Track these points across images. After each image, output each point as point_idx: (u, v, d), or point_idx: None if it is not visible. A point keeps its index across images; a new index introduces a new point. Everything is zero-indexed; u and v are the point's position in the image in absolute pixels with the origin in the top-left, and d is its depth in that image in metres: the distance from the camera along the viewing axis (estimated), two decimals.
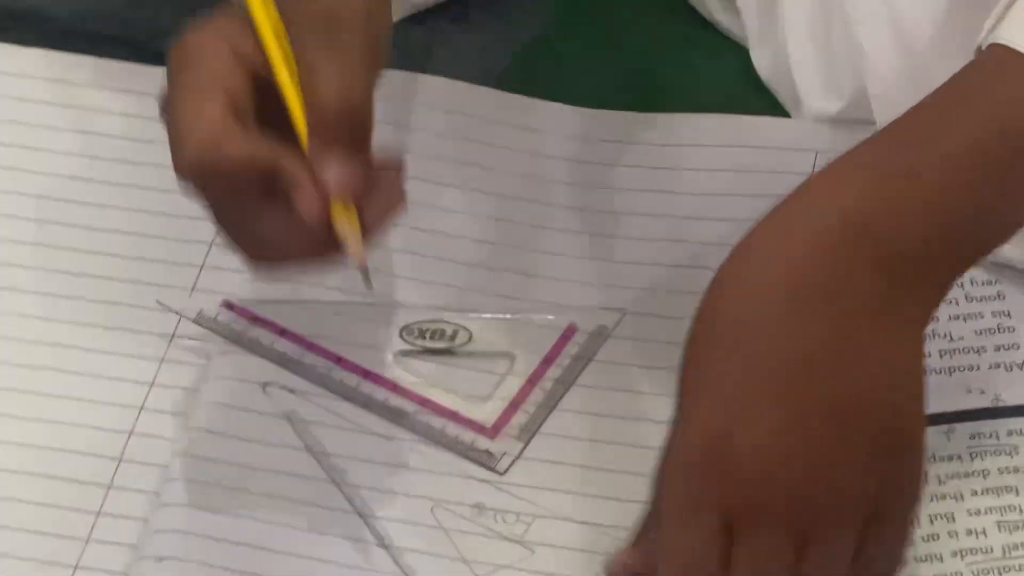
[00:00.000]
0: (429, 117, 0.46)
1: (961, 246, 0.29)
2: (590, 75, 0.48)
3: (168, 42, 0.31)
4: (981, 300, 0.41)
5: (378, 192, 0.30)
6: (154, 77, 0.35)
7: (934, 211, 0.28)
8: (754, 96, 0.47)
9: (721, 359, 0.28)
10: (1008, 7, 0.29)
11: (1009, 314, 0.40)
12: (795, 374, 0.27)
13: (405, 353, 0.40)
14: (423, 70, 0.47)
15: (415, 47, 0.47)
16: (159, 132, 0.31)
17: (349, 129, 0.29)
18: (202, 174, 0.29)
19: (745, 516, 0.27)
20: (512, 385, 0.40)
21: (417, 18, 0.48)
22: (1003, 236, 0.30)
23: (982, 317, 0.41)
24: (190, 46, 0.30)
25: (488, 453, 0.38)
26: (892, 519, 0.28)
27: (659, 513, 0.29)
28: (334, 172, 0.28)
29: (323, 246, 0.30)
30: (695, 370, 0.28)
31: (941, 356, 0.39)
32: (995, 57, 0.29)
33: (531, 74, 0.48)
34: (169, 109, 0.30)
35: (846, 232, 0.28)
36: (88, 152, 0.45)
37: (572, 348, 0.41)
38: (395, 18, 0.36)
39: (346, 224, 0.29)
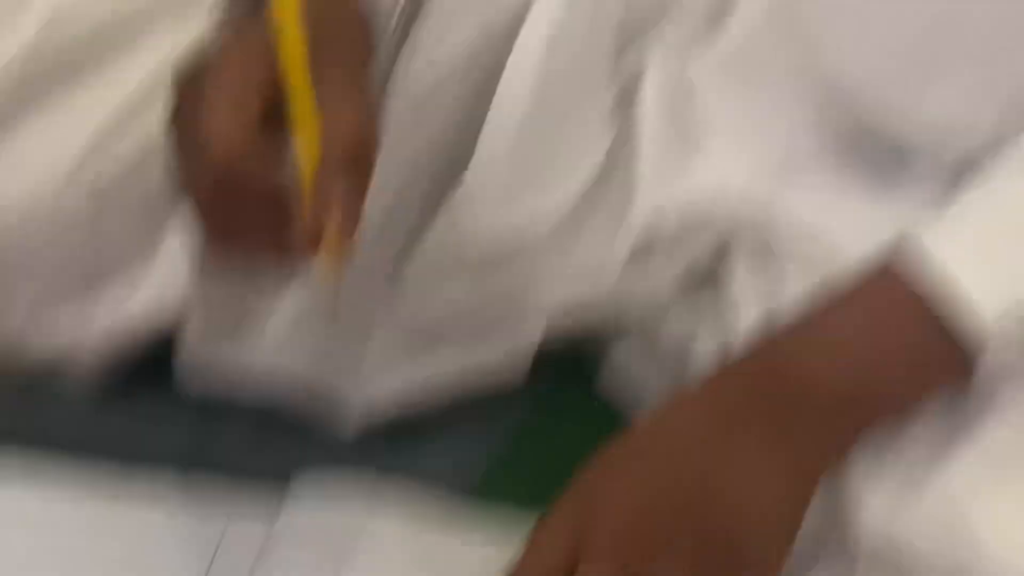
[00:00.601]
0: None
1: (870, 400, 0.32)
2: None
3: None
4: None
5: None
6: None
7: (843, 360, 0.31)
8: None
9: (619, 448, 0.33)
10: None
11: None
12: (673, 468, 0.32)
13: None
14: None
15: None
16: None
17: (357, 165, 0.30)
18: (225, 180, 0.30)
19: (587, 547, 0.31)
20: None
21: None
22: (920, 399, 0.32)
23: None
24: (226, 58, 0.31)
25: None
26: None
27: None
28: (339, 209, 0.30)
29: (294, 257, 0.31)
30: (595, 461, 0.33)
31: None
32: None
33: None
34: (193, 115, 0.31)
35: (756, 367, 0.32)
36: None
37: None
38: None
39: (333, 255, 0.30)
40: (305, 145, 0.31)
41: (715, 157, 0.37)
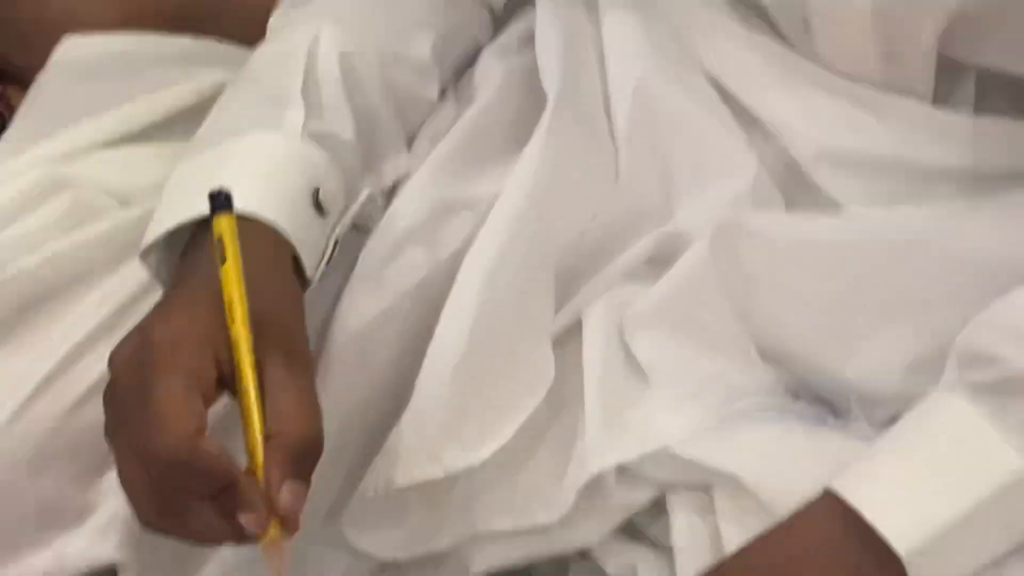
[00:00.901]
0: None
1: None
2: None
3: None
4: None
5: None
6: None
7: None
8: None
9: None
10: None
11: None
12: None
13: None
14: None
15: None
16: None
17: (305, 463, 0.32)
18: (175, 463, 0.30)
19: None
20: None
21: None
22: None
23: None
24: (174, 333, 0.32)
25: None
26: None
27: None
28: (286, 503, 0.31)
29: (233, 540, 0.32)
30: None
31: None
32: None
33: None
34: (145, 389, 0.31)
35: None
36: None
37: None
38: None
39: (277, 544, 0.31)
40: (252, 439, 0.32)
41: (656, 409, 0.38)
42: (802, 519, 0.34)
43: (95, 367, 0.38)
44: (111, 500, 0.41)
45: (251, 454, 0.31)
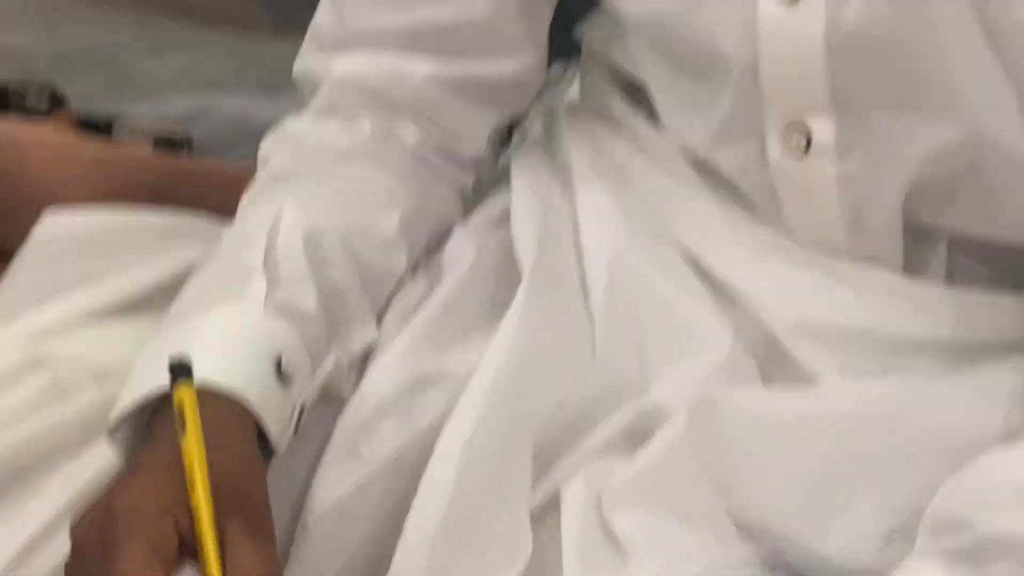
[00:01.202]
0: None
1: None
2: None
3: None
4: None
5: None
6: None
7: None
8: None
9: None
10: None
11: None
12: None
13: None
14: None
15: None
16: None
17: None
18: None
19: None
20: None
21: None
22: None
23: None
24: (135, 501, 0.34)
25: None
26: None
27: None
28: None
29: None
30: None
31: None
32: None
33: None
34: (107, 558, 0.33)
35: None
36: None
37: None
38: None
39: None
40: None
41: None
42: None
43: (65, 545, 0.38)
44: None
45: None
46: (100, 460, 0.41)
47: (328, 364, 0.42)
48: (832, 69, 0.39)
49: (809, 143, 0.41)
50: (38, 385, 0.43)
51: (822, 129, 0.41)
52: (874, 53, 0.39)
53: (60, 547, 0.39)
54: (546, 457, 0.41)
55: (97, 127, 0.89)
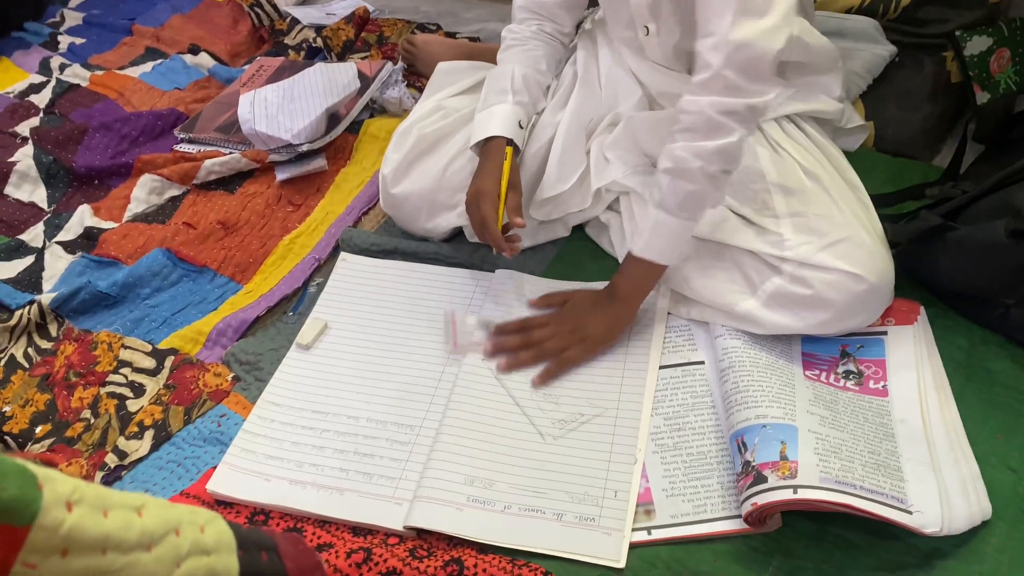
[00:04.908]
0: None
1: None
2: None
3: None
4: None
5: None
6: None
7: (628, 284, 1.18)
8: None
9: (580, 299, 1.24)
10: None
11: None
12: (593, 308, 1.21)
13: None
14: None
15: None
16: None
17: (517, 214, 1.23)
18: (480, 222, 1.22)
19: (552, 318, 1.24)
20: None
21: None
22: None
23: None
24: (482, 187, 1.22)
25: None
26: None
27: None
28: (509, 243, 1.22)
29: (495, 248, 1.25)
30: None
31: None
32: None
33: None
34: (476, 204, 1.22)
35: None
36: None
37: None
38: None
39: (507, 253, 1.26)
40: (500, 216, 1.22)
41: None
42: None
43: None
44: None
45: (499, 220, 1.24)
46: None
47: (532, 119, 1.37)
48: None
49: (648, 31, 1.29)
50: None
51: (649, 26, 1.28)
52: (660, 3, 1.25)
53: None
54: (587, 133, 1.37)
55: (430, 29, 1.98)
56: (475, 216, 1.20)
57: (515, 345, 1.17)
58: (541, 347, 1.16)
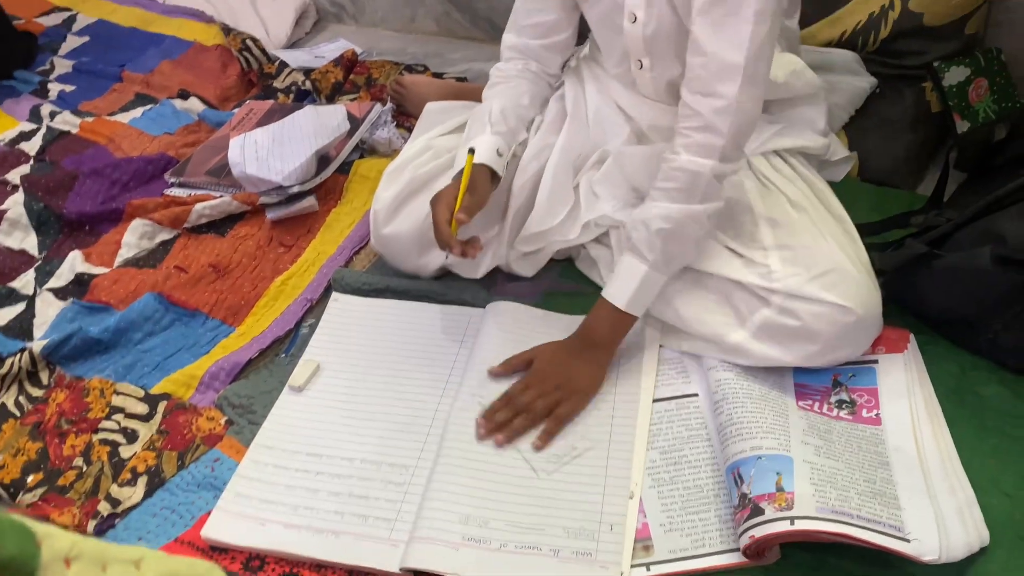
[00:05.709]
0: None
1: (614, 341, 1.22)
2: None
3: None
4: None
5: None
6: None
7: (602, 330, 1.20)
8: None
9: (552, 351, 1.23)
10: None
11: None
12: (569, 359, 1.20)
13: None
14: None
15: None
16: None
17: (468, 213, 1.23)
18: (437, 224, 1.22)
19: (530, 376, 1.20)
20: None
21: None
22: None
23: None
24: (443, 193, 1.23)
25: None
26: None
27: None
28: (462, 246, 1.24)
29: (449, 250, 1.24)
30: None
31: None
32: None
33: None
34: (434, 207, 1.21)
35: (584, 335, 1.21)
36: None
37: None
38: None
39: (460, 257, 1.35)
40: (453, 222, 1.24)
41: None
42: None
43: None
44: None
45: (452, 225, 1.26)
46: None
47: (513, 149, 1.38)
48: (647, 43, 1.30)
49: (641, 65, 1.32)
50: None
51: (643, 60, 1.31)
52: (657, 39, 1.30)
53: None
54: (575, 169, 1.39)
55: (416, 70, 2.00)
56: (433, 217, 1.22)
57: (506, 418, 1.15)
58: (531, 410, 1.15)
